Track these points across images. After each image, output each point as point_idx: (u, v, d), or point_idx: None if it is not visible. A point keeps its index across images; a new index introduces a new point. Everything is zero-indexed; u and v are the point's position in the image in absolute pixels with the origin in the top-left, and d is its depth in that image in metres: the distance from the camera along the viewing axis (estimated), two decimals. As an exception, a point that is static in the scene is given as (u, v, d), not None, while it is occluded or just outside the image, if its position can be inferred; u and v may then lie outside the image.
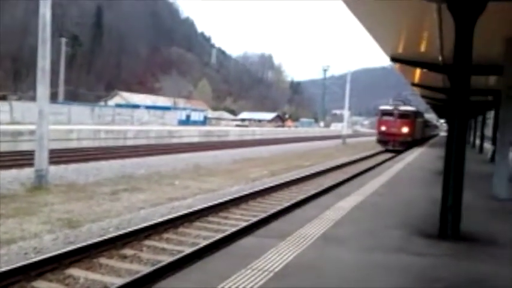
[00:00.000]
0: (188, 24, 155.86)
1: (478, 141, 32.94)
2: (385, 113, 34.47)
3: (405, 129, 33.19)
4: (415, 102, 41.94)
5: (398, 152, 29.52)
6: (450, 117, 6.08)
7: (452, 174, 5.99)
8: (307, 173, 17.54)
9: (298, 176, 16.47)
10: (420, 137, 40.09)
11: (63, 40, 57.45)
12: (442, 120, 69.56)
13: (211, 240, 7.16)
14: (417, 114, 36.32)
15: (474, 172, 13.94)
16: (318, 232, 6.14)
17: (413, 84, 22.35)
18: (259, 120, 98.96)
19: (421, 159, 21.11)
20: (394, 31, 10.86)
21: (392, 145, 33.33)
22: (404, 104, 35.54)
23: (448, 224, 6.00)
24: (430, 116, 58.96)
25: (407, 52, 12.94)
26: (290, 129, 78.00)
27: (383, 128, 34.14)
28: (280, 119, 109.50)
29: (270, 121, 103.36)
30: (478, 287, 4.27)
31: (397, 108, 34.06)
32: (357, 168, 20.69)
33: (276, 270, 4.52)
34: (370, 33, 11.18)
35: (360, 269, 4.71)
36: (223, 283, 4.10)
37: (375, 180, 12.05)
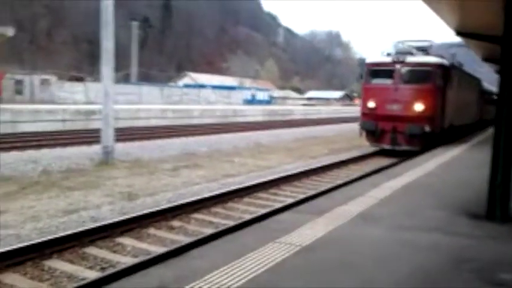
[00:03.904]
0: (255, 4, 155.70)
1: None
2: (377, 71, 17.18)
3: (419, 106, 15.91)
4: (488, 79, 28.14)
5: (405, 156, 15.32)
6: (500, 91, 5.75)
7: (502, 151, 5.70)
8: (367, 152, 17.22)
9: (356, 155, 16.23)
10: (469, 121, 22.68)
11: (135, 23, 59.72)
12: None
13: (253, 216, 7.34)
14: (452, 72, 17.80)
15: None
16: (358, 210, 6.11)
17: (486, 60, 21.05)
18: (327, 99, 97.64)
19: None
20: (459, 2, 10.29)
21: (392, 141, 16.36)
22: (426, 53, 16.97)
23: (496, 204, 5.74)
24: None
25: (473, 25, 12.21)
26: (358, 108, 76.24)
27: (371, 105, 16.89)
28: (348, 98, 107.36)
29: (337, 100, 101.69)
30: (510, 270, 4.08)
31: (402, 59, 16.30)
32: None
33: (304, 244, 4.59)
34: (429, 6, 10.69)
35: (389, 246, 4.66)
36: (249, 254, 4.24)
37: (431, 161, 11.63)
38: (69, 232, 6.11)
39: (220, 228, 6.68)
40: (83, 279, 5.04)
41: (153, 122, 28.02)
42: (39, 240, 5.72)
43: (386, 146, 16.65)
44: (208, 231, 6.79)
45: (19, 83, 32.44)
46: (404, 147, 16.22)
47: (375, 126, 16.66)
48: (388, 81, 16.52)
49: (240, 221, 6.96)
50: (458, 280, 3.86)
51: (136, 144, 17.75)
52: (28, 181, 10.33)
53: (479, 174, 7.16)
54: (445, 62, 17.05)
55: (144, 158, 14.80)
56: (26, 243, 5.64)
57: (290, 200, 8.67)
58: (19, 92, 32.07)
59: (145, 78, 68.48)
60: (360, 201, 6.61)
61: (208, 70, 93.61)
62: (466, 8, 10.72)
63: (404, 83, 16.28)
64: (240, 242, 4.64)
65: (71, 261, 5.57)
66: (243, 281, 3.65)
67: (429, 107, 15.96)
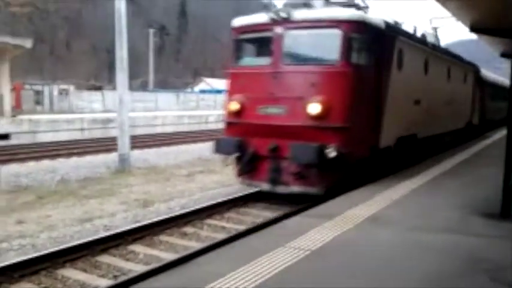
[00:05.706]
0: (270, 6, 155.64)
1: None
2: (247, 41, 9.57)
3: (315, 107, 7.61)
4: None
5: (302, 202, 8.30)
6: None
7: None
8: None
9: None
10: (455, 126, 15.53)
11: (151, 31, 60.27)
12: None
13: (263, 221, 7.32)
14: (399, 43, 9.62)
15: None
16: (369, 212, 6.04)
17: (503, 55, 20.50)
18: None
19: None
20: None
21: (271, 175, 8.14)
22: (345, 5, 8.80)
23: (510, 203, 5.61)
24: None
25: (488, 19, 11.87)
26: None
27: (235, 106, 8.60)
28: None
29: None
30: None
31: (286, 16, 8.20)
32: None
33: (313, 248, 4.56)
34: (443, 6, 10.46)
35: (399, 249, 4.59)
36: (258, 259, 4.22)
37: (453, 158, 11.45)
38: (82, 241, 6.17)
39: (230, 234, 6.67)
40: (95, 287, 5.09)
41: (170, 129, 28.20)
42: (53, 250, 5.80)
43: (264, 186, 8.50)
44: (221, 236, 6.79)
45: (38, 93, 33.07)
46: (294, 189, 8.18)
47: (241, 147, 8.52)
48: (263, 61, 8.75)
49: (249, 227, 6.94)
50: (471, 281, 3.77)
51: (153, 150, 17.89)
52: (46, 190, 10.51)
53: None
54: (376, 20, 8.81)
55: (160, 164, 14.89)
56: (39, 253, 5.71)
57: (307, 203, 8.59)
58: (39, 102, 32.69)
59: (162, 85, 69.03)
60: (372, 203, 6.54)
61: (224, 75, 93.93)
62: (482, 3, 10.48)
63: (289, 63, 8.38)
64: (250, 247, 4.64)
65: (84, 270, 5.62)
66: (251, 286, 3.63)
67: (337, 107, 7.80)
